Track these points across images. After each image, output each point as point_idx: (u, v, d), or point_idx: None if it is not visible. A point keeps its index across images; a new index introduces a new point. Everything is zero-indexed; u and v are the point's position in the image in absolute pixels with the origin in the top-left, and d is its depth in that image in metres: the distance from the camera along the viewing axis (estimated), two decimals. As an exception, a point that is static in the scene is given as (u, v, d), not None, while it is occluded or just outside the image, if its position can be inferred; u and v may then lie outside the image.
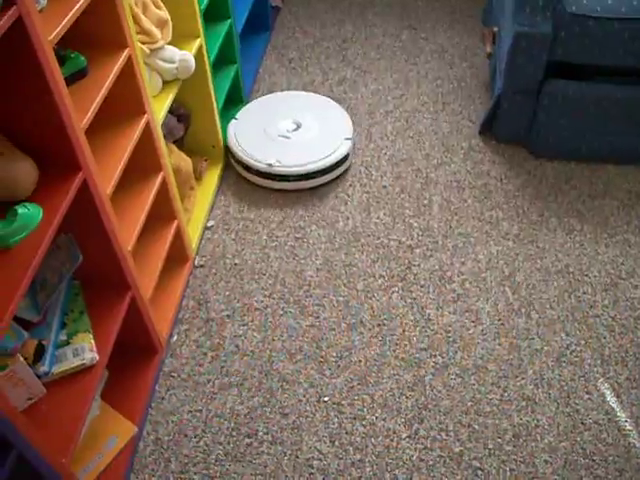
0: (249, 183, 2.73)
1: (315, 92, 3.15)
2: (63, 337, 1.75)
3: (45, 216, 1.46)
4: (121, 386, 2.05)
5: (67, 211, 1.50)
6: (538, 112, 2.63)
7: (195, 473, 1.92)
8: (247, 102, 3.06)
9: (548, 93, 2.56)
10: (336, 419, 2.01)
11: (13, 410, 1.34)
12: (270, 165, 2.61)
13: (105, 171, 1.72)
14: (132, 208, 1.94)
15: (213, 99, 2.57)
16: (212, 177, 2.71)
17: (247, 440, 1.98)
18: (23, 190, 1.47)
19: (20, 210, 1.42)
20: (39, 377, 1.63)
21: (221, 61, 2.86)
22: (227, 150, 2.81)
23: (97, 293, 1.85)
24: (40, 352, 1.66)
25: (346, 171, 2.78)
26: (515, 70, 2.56)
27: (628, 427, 1.98)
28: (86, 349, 1.72)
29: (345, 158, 2.71)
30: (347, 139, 2.73)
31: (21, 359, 1.54)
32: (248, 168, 2.69)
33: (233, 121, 2.85)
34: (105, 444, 1.93)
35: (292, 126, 2.80)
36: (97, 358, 1.71)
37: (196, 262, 2.43)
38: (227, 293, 2.34)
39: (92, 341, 1.74)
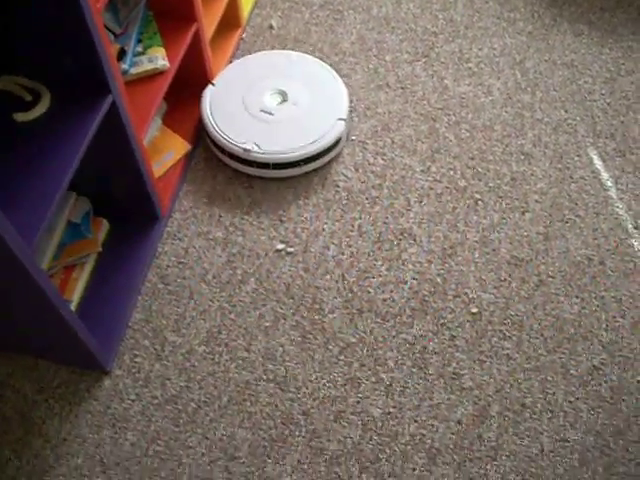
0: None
1: None
2: (140, 49, 2.07)
3: None
4: (178, 115, 2.39)
5: None
6: None
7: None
8: None
9: None
10: (361, 154, 2.35)
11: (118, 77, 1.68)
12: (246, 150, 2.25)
13: None
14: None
15: None
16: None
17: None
18: None
19: None
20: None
21: None
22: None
23: (168, 22, 2.16)
24: (121, 55, 1.99)
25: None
26: None
27: (609, 183, 2.31)
28: (159, 57, 2.04)
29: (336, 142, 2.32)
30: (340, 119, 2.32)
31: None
32: (223, 150, 2.31)
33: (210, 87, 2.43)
34: (164, 156, 2.28)
35: (277, 99, 2.39)
36: (168, 65, 2.04)
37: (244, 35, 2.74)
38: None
39: (164, 52, 2.06)
